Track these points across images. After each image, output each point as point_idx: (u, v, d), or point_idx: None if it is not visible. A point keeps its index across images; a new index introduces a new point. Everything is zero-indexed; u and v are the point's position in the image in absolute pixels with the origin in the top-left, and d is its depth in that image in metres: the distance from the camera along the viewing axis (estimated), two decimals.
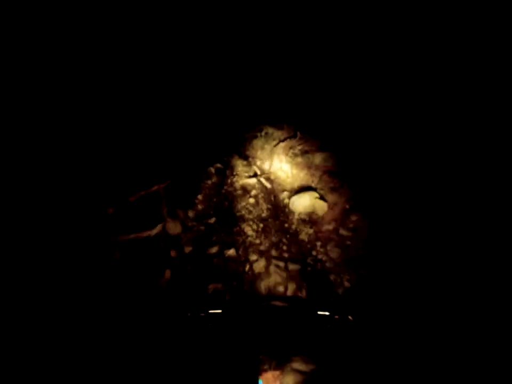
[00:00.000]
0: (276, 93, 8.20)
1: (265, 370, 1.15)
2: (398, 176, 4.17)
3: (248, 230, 3.69)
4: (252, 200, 4.52)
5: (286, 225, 3.95)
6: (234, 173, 5.65)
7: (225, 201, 4.51)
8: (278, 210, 4.32)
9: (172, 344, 1.35)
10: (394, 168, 4.31)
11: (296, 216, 4.12)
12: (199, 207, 4.17)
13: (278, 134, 6.79)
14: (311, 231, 3.74)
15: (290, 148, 6.12)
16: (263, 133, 7.05)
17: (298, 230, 3.82)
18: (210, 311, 1.50)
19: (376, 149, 4.82)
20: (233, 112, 8.08)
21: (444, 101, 4.66)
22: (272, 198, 4.78)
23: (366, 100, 5.96)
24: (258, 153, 6.62)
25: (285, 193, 4.80)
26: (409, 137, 4.67)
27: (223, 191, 4.89)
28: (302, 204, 4.19)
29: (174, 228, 3.27)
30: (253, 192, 4.82)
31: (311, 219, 4.02)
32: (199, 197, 4.41)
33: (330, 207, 4.07)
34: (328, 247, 3.39)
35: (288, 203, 4.45)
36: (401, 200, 3.78)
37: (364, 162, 4.63)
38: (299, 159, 5.56)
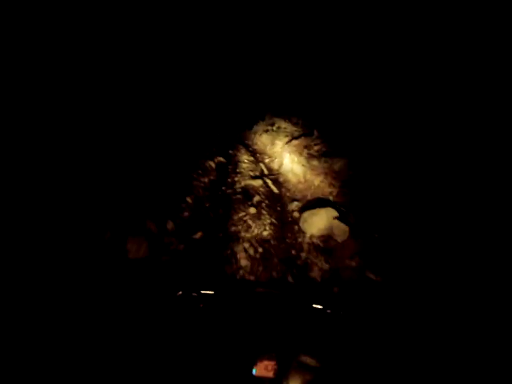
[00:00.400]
0: (294, 84, 6.92)
1: (261, 360, 1.01)
2: (443, 195, 2.99)
3: (242, 257, 2.56)
4: (252, 210, 3.38)
5: (294, 251, 2.81)
6: (238, 170, 4.49)
7: (220, 208, 3.38)
8: (285, 228, 3.18)
9: (160, 326, 1.19)
10: (439, 186, 3.13)
11: (307, 239, 2.97)
12: (185, 214, 3.05)
13: (292, 129, 5.55)
14: (326, 266, 2.59)
15: (305, 147, 4.89)
16: (275, 127, 5.81)
17: (309, 261, 2.67)
18: (202, 291, 1.32)
19: (416, 155, 3.62)
20: (243, 101, 6.84)
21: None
22: (279, 208, 3.64)
23: (397, 96, 4.73)
24: (268, 148, 5.42)
25: (295, 204, 3.64)
26: (447, 147, 3.49)
27: (220, 192, 3.76)
28: (316, 223, 3.03)
29: (136, 249, 2.16)
30: (256, 199, 3.67)
31: (326, 246, 2.87)
32: (188, 199, 3.28)
33: (353, 233, 2.91)
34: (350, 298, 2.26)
35: (299, 218, 3.30)
36: (450, 228, 2.62)
37: (400, 172, 3.43)
38: (315, 162, 4.35)
